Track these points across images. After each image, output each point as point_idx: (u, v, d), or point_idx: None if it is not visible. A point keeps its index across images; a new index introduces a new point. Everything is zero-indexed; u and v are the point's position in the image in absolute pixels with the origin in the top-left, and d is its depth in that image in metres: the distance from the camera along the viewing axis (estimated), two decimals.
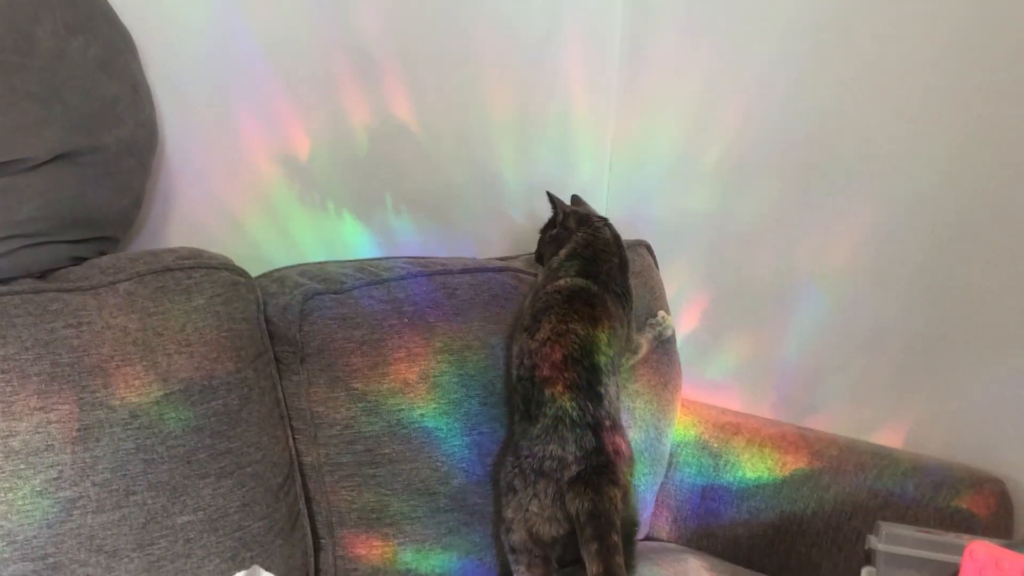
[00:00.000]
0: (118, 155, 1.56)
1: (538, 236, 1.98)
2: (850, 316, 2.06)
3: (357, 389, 1.67)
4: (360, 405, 1.67)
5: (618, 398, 1.71)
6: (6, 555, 1.34)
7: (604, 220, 1.93)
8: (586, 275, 1.79)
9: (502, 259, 1.98)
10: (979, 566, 1.09)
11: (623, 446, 1.64)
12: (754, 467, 1.93)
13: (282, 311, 1.66)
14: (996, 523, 1.77)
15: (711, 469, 1.97)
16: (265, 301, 1.66)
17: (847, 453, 1.90)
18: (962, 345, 1.92)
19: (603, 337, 1.70)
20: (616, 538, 1.53)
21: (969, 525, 1.74)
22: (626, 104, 2.38)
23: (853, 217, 2.04)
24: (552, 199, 1.96)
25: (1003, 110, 1.82)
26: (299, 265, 1.78)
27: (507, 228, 2.22)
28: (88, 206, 1.55)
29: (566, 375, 1.64)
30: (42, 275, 1.51)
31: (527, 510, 1.62)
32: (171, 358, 1.50)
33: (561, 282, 1.77)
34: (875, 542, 1.69)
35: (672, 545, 1.96)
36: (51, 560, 1.36)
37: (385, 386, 1.69)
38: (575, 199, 2.02)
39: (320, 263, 1.80)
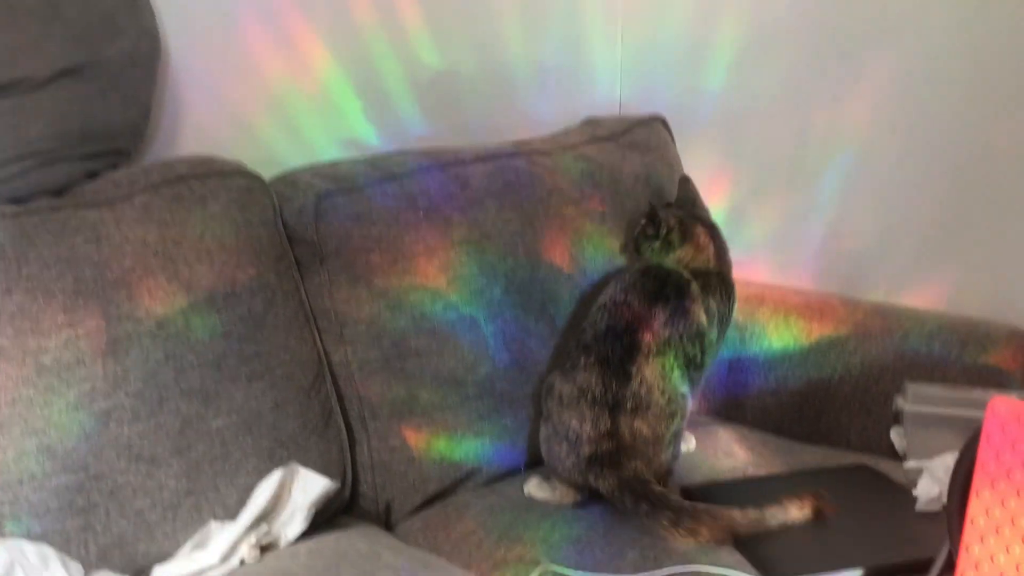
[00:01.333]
0: (122, 67, 1.56)
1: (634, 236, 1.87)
2: (873, 180, 2.05)
3: (378, 286, 1.68)
4: (383, 301, 1.68)
5: (664, 381, 1.61)
6: (48, 468, 1.37)
7: (711, 233, 1.83)
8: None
9: (515, 144, 1.97)
10: (1001, 421, 1.10)
11: (644, 429, 1.59)
12: (780, 336, 1.94)
13: (297, 213, 1.67)
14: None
15: (737, 341, 1.98)
16: (280, 204, 1.67)
17: (872, 317, 1.91)
18: (984, 200, 1.90)
19: (660, 316, 1.64)
20: (657, 488, 1.53)
21: (998, 380, 1.75)
22: None
23: (870, 79, 2.01)
24: (654, 213, 1.81)
25: None
26: (311, 166, 1.78)
27: (519, 111, 2.20)
28: (96, 120, 1.55)
29: (602, 346, 1.63)
30: (58, 192, 1.52)
31: (555, 457, 1.65)
32: (192, 267, 1.51)
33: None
34: (902, 403, 1.71)
35: (702, 418, 1.98)
36: (92, 471, 1.40)
37: (406, 281, 1.70)
38: (684, 182, 1.94)
39: (332, 163, 1.80)
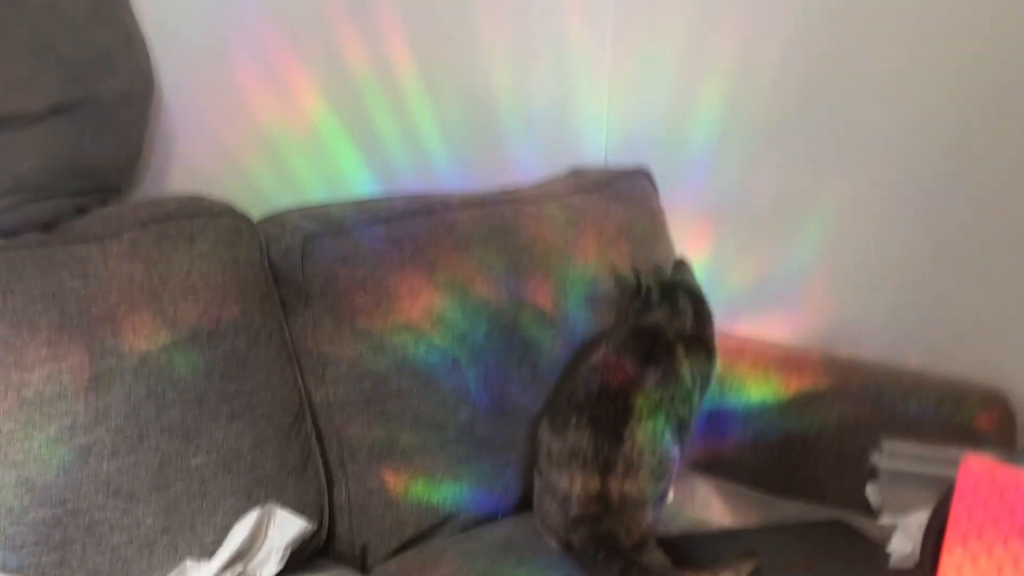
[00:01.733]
0: (115, 105, 1.57)
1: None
2: (855, 237, 2.07)
3: (362, 327, 1.69)
4: (366, 343, 1.69)
5: (655, 443, 1.62)
6: (26, 502, 1.37)
7: (692, 299, 1.82)
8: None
9: (501, 191, 1.99)
10: (974, 479, 1.11)
11: (633, 491, 1.59)
12: (758, 389, 1.95)
13: (284, 254, 1.68)
14: (999, 436, 1.80)
15: (716, 393, 1.99)
16: (267, 244, 1.68)
17: (850, 372, 1.92)
18: (965, 260, 1.93)
19: (652, 377, 1.65)
20: (634, 556, 1.55)
21: (973, 439, 1.77)
22: (624, 28, 2.36)
23: (855, 140, 2.04)
24: (636, 274, 1.84)
25: (1005, 27, 1.81)
26: (300, 207, 1.79)
27: (506, 159, 2.22)
28: (88, 157, 1.56)
29: (594, 410, 1.63)
30: (46, 228, 1.53)
31: (546, 513, 1.66)
32: (177, 304, 1.52)
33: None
34: (878, 459, 1.72)
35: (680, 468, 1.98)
36: (70, 505, 1.40)
37: (390, 323, 1.70)
38: (679, 265, 1.92)
39: (320, 204, 1.81)
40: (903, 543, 1.54)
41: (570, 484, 1.60)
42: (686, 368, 1.70)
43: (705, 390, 1.77)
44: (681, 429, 1.67)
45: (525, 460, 1.80)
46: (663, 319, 1.76)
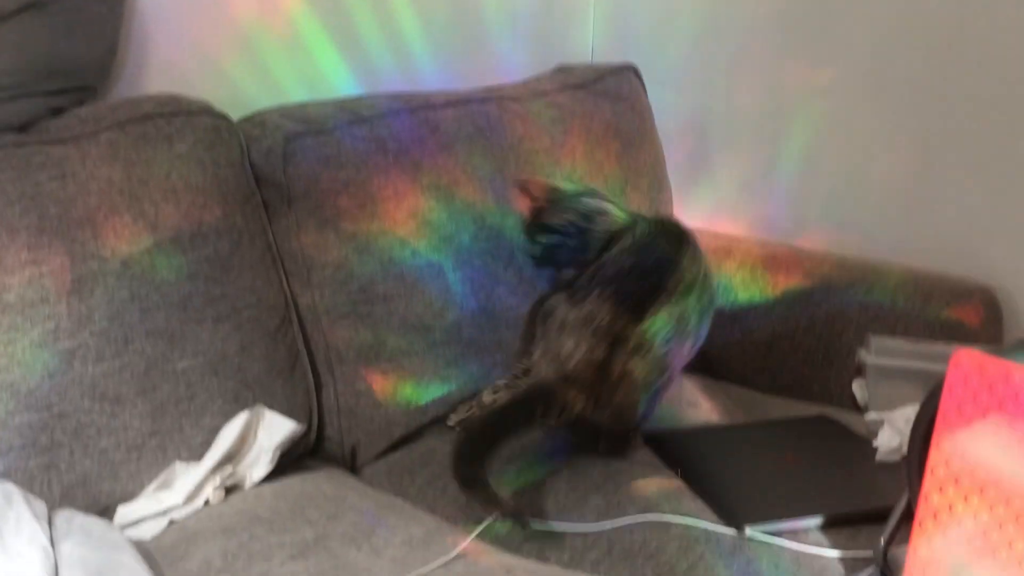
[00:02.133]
0: (87, 1, 1.53)
1: None
2: (842, 134, 2.06)
3: (347, 229, 1.67)
4: (351, 245, 1.67)
5: (671, 330, 1.55)
6: (11, 407, 1.37)
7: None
8: None
9: (486, 89, 1.96)
10: (964, 373, 1.11)
11: (635, 372, 1.54)
12: (746, 288, 1.94)
13: (265, 154, 1.65)
14: (986, 331, 1.81)
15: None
16: (248, 145, 1.65)
17: (838, 270, 1.92)
18: (951, 157, 1.92)
19: (686, 257, 1.59)
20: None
21: (959, 334, 1.77)
22: None
23: (842, 34, 2.01)
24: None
25: None
26: (280, 106, 1.76)
27: (490, 58, 2.18)
28: (62, 55, 1.53)
29: (621, 285, 1.55)
30: (22, 128, 1.50)
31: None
32: (158, 206, 1.50)
33: None
34: (866, 355, 1.72)
35: None
36: (56, 409, 1.39)
37: (375, 225, 1.69)
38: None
39: (301, 104, 1.78)
40: (890, 437, 1.55)
41: (574, 347, 1.53)
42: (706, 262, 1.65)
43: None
44: (705, 316, 1.62)
45: (512, 361, 1.79)
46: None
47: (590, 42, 2.35)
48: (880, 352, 1.70)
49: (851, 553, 1.34)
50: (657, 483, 1.52)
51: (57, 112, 1.54)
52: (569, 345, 1.55)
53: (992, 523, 1.09)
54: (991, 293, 1.83)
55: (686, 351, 1.62)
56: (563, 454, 1.59)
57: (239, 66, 1.85)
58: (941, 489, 1.14)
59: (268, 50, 1.88)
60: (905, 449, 1.52)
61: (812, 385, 1.86)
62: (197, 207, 1.53)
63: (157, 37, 1.75)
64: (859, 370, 1.77)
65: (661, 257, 1.58)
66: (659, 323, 1.54)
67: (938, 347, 1.67)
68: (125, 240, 1.46)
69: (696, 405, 1.80)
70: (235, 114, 1.68)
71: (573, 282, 1.63)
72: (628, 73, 2.11)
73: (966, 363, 1.11)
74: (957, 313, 1.80)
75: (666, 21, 2.26)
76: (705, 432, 1.70)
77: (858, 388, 1.76)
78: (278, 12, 1.89)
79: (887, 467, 1.52)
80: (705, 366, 1.93)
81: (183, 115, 1.57)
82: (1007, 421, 1.08)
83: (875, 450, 1.55)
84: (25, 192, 1.41)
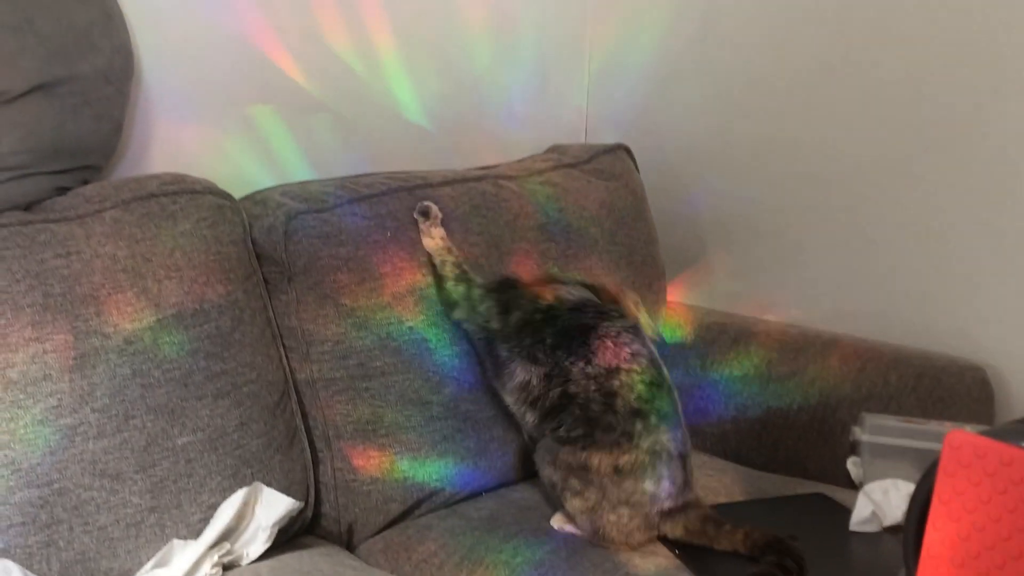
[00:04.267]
0: (95, 83, 1.56)
1: None
2: (833, 214, 2.08)
3: (346, 305, 1.69)
4: (349, 321, 1.69)
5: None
6: (12, 483, 1.37)
7: None
8: None
9: (481, 168, 1.99)
10: (958, 454, 1.12)
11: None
12: (740, 365, 1.96)
13: (267, 232, 1.68)
14: (977, 410, 1.82)
15: (698, 368, 2.00)
16: (250, 223, 1.68)
17: (831, 347, 1.94)
18: (944, 238, 1.94)
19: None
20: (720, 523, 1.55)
21: (952, 413, 1.78)
22: (605, 5, 2.35)
23: (834, 117, 2.05)
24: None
25: None
26: (281, 185, 1.78)
27: (486, 137, 2.22)
28: (69, 136, 1.55)
29: (657, 404, 1.60)
30: (27, 207, 1.52)
31: (603, 519, 1.57)
32: (161, 284, 1.51)
33: None
34: (859, 433, 1.73)
35: None
36: (56, 486, 1.40)
37: (373, 301, 1.71)
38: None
39: (302, 182, 1.81)
40: (863, 507, 1.58)
41: (656, 485, 1.56)
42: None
43: None
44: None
45: (509, 436, 1.81)
46: None
47: (584, 122, 2.39)
48: (874, 430, 1.71)
49: None
50: (655, 562, 1.52)
51: (62, 191, 1.57)
52: (648, 486, 1.56)
53: None
54: (982, 373, 1.84)
55: None
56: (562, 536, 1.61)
57: (241, 145, 1.88)
58: (937, 569, 1.14)
59: (270, 129, 1.91)
60: (884, 521, 1.56)
61: (806, 462, 1.87)
62: (200, 284, 1.55)
63: (162, 116, 1.78)
64: (853, 448, 1.78)
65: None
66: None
67: (931, 426, 1.69)
68: (128, 317, 1.47)
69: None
70: (237, 193, 1.70)
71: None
72: (621, 152, 2.14)
73: (960, 444, 1.13)
74: (949, 392, 1.81)
75: (659, 103, 2.30)
76: None
77: (852, 466, 1.77)
78: (279, 92, 1.92)
79: (884, 545, 1.53)
80: (700, 441, 1.94)
81: (187, 194, 1.59)
82: (1002, 503, 1.10)
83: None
84: (30, 270, 1.42)
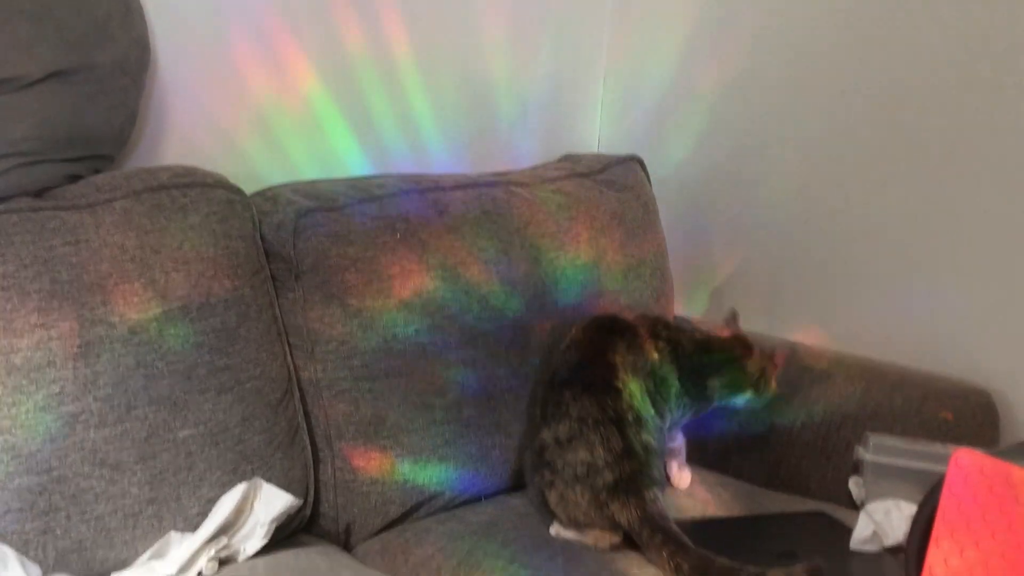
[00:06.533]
0: (111, 73, 1.56)
1: None
2: (839, 230, 2.08)
3: (352, 305, 1.68)
4: (356, 321, 1.69)
5: (644, 400, 1.66)
6: (11, 469, 1.36)
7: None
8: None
9: (494, 174, 1.99)
10: (964, 473, 1.12)
11: (651, 442, 1.62)
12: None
13: (276, 229, 1.67)
14: (982, 433, 1.81)
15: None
16: (260, 219, 1.67)
17: (836, 366, 1.93)
18: (952, 262, 1.94)
19: (620, 345, 1.68)
20: (674, 526, 1.54)
21: (956, 435, 1.78)
22: (621, 16, 2.36)
23: (842, 130, 2.05)
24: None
25: None
26: (292, 183, 1.79)
27: (500, 144, 2.22)
28: (82, 124, 1.55)
29: (583, 374, 1.65)
30: (38, 194, 1.52)
31: (572, 505, 1.60)
32: (169, 276, 1.51)
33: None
34: (863, 452, 1.73)
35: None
36: (55, 473, 1.39)
37: (380, 302, 1.70)
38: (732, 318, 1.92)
39: (313, 181, 1.81)
40: (865, 526, 1.57)
41: (591, 451, 1.58)
42: (650, 344, 1.72)
43: (674, 394, 1.75)
44: (656, 402, 1.68)
45: (511, 442, 1.80)
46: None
47: (597, 132, 2.39)
48: (877, 450, 1.71)
49: None
50: (652, 572, 1.51)
51: (74, 179, 1.56)
52: (583, 454, 1.59)
53: None
54: (987, 396, 1.84)
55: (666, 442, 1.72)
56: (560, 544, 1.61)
57: (254, 142, 1.88)
58: None
59: (283, 128, 1.91)
60: (884, 540, 1.55)
61: (809, 481, 1.86)
62: (207, 278, 1.54)
63: (176, 109, 1.78)
64: (856, 467, 1.77)
65: (599, 348, 1.68)
66: (636, 392, 1.64)
67: (935, 447, 1.68)
68: (134, 307, 1.47)
69: (692, 496, 1.80)
70: (248, 188, 1.70)
71: (530, 410, 1.76)
72: (633, 164, 2.14)
73: (966, 462, 1.13)
74: (954, 414, 1.81)
75: (672, 115, 2.30)
76: (703, 524, 1.69)
77: (854, 485, 1.77)
78: (295, 92, 1.92)
79: (885, 565, 1.52)
80: (702, 457, 1.94)
81: (198, 187, 1.59)
82: (1006, 523, 1.09)
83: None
84: (38, 256, 1.42)
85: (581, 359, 1.68)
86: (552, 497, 1.63)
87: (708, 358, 1.79)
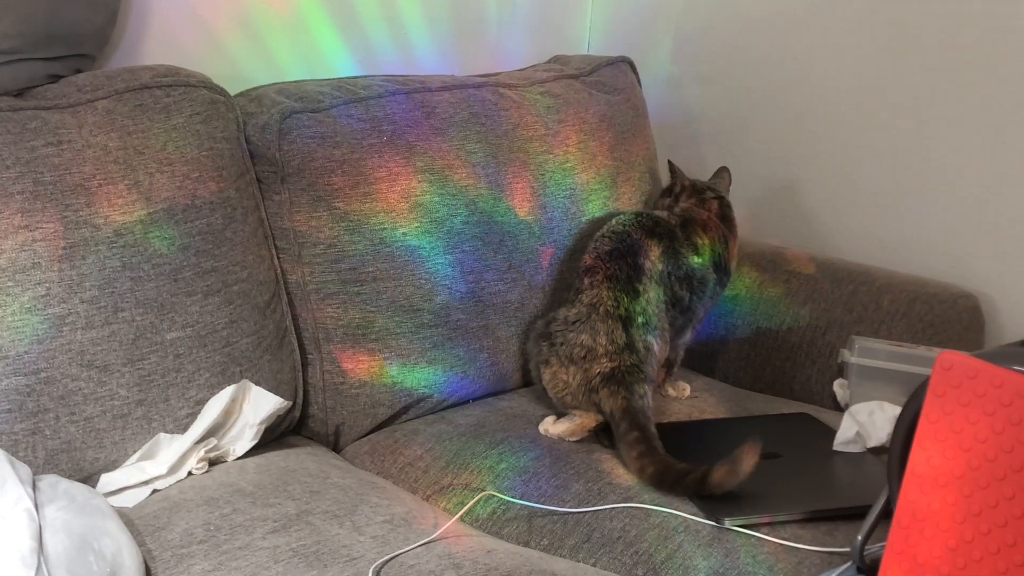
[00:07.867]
0: None
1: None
2: (829, 136, 2.07)
3: (339, 208, 1.67)
4: (343, 224, 1.68)
5: (659, 306, 1.67)
6: None
7: (718, 196, 1.87)
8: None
9: (482, 76, 1.96)
10: (948, 374, 1.12)
11: (655, 345, 1.64)
12: (731, 285, 1.96)
13: (261, 130, 1.65)
14: (967, 337, 1.83)
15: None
16: (244, 120, 1.65)
17: (823, 270, 1.94)
18: (939, 163, 1.93)
19: (656, 249, 1.69)
20: (653, 428, 1.56)
21: (941, 339, 1.79)
22: None
23: (835, 36, 2.02)
24: (672, 169, 1.94)
25: None
26: (277, 83, 1.76)
27: (488, 45, 2.19)
28: (63, 22, 1.52)
29: (608, 265, 1.66)
30: (19, 93, 1.50)
31: (562, 385, 1.65)
32: (153, 177, 1.50)
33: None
34: (848, 355, 1.74)
35: None
36: (43, 375, 1.39)
37: (367, 205, 1.69)
38: (719, 171, 1.95)
39: (298, 81, 1.78)
40: (848, 428, 1.59)
41: (593, 338, 1.62)
42: (688, 250, 1.73)
43: (708, 293, 1.78)
44: (678, 308, 1.71)
45: (499, 345, 1.81)
46: (690, 207, 1.83)
47: (587, 34, 2.36)
48: (862, 353, 1.72)
49: (829, 549, 1.35)
50: None
51: (55, 78, 1.54)
52: (585, 339, 1.62)
53: (968, 517, 1.10)
54: (974, 300, 1.85)
55: (672, 336, 1.72)
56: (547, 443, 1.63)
57: (238, 41, 1.85)
58: (921, 488, 1.15)
59: (268, 26, 1.88)
60: (867, 442, 1.57)
61: (793, 383, 1.88)
62: (192, 179, 1.53)
63: (158, 7, 1.75)
64: (841, 370, 1.79)
65: (633, 246, 1.69)
66: (654, 299, 1.65)
67: (920, 350, 1.69)
68: (118, 209, 1.46)
69: (680, 399, 1.81)
70: (232, 89, 1.68)
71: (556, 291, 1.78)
72: (623, 66, 2.11)
73: (951, 364, 1.13)
74: (939, 318, 1.82)
75: (662, 15, 2.27)
76: (687, 426, 1.71)
77: (839, 387, 1.78)
78: None
79: (867, 465, 1.54)
80: (688, 361, 1.95)
81: (181, 87, 1.57)
82: (989, 424, 1.10)
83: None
84: (20, 157, 1.40)
85: (614, 250, 1.69)
86: (545, 375, 1.67)
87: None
